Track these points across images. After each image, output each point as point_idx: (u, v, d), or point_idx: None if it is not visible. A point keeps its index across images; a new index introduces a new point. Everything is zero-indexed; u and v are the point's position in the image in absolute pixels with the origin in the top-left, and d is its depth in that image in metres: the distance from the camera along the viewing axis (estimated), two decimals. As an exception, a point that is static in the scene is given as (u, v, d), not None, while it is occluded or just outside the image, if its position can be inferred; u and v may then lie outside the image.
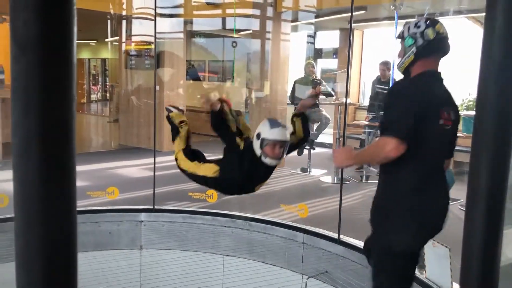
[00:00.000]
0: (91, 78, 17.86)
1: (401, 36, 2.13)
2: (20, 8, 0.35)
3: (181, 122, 2.90)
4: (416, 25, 2.06)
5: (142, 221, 4.27)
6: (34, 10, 0.35)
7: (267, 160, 2.47)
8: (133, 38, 8.85)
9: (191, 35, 9.08)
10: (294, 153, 7.31)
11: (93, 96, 17.87)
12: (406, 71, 2.13)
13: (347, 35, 8.03)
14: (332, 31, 9.11)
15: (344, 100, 6.31)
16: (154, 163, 4.45)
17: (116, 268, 4.01)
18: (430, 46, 2.02)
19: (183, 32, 8.46)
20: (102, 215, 4.20)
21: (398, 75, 6.46)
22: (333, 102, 7.31)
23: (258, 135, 2.47)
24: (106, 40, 11.22)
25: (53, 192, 0.37)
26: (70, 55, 0.38)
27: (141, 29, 8.43)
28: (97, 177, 5.87)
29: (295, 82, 7.06)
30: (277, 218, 4.33)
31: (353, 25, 7.96)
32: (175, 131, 2.90)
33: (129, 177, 6.27)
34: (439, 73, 2.09)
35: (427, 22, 2.04)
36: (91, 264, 3.95)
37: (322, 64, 10.11)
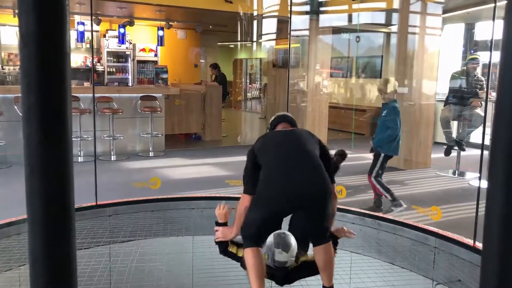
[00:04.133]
0: (247, 77, 18.95)
1: None
2: (22, 12, 0.48)
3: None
4: None
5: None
6: (33, 13, 0.48)
7: None
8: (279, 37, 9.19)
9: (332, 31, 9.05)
10: (442, 154, 6.86)
11: (249, 94, 18.96)
12: None
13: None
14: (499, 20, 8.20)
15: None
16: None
17: None
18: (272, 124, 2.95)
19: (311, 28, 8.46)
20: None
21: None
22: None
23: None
24: (260, 40, 11.88)
25: (50, 147, 0.50)
26: (63, 46, 0.50)
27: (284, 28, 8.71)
28: (240, 168, 6.31)
29: (452, 77, 6.53)
30: (408, 219, 4.13)
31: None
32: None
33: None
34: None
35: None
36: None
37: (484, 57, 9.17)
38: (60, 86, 0.50)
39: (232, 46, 17.99)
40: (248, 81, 18.97)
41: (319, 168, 2.57)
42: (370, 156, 7.85)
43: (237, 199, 4.46)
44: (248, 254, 2.61)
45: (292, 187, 2.53)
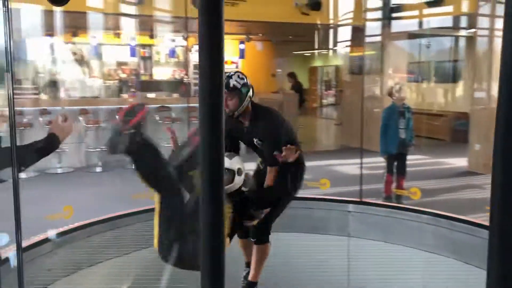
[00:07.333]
0: (323, 85, 19.00)
1: (235, 88, 2.79)
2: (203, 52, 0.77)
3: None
4: (240, 77, 2.84)
5: (350, 211, 4.71)
6: (204, 50, 0.70)
7: None
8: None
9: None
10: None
11: (325, 101, 19.04)
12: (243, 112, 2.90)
13: None
14: None
15: None
16: (361, 161, 4.87)
17: (326, 251, 4.37)
18: (252, 89, 2.92)
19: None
20: (316, 202, 4.79)
21: None
22: None
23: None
24: (335, 48, 12.14)
25: (212, 144, 0.89)
26: (221, 74, 0.71)
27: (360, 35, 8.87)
28: (316, 172, 6.65)
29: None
30: (481, 220, 4.21)
31: None
32: None
33: (342, 173, 6.89)
34: None
35: (243, 74, 2.91)
36: (305, 245, 4.53)
37: None
38: (219, 100, 0.72)
39: (308, 54, 18.28)
40: (323, 88, 19.06)
41: None
42: (448, 161, 7.83)
43: (314, 199, 4.80)
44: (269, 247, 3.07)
45: None
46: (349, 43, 10.02)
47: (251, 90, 2.88)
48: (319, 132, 13.48)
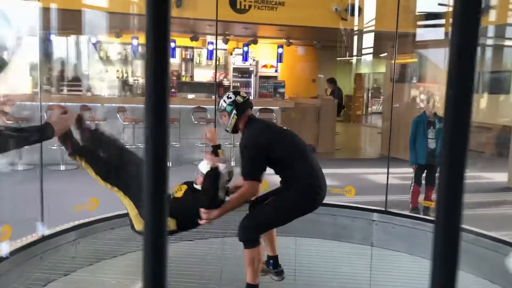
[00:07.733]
0: (369, 92, 18.71)
1: (221, 107, 3.17)
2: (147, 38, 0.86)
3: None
4: (228, 97, 3.16)
5: (374, 220, 4.63)
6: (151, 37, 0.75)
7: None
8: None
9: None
10: None
11: (369, 109, 18.72)
12: (234, 128, 3.19)
13: None
14: None
15: None
16: (388, 171, 4.77)
17: (347, 259, 4.28)
18: (242, 106, 3.12)
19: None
20: (339, 209, 4.74)
21: None
22: None
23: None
24: (380, 55, 11.93)
25: (155, 136, 0.94)
26: (167, 63, 0.70)
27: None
28: (346, 179, 6.57)
29: None
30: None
31: None
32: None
33: (375, 182, 6.77)
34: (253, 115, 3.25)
35: (234, 93, 3.19)
36: (328, 251, 4.51)
37: None
38: (164, 92, 0.64)
39: (353, 61, 18.04)
40: (369, 95, 18.74)
41: None
42: (487, 175, 7.49)
43: (339, 206, 4.75)
44: (259, 251, 3.01)
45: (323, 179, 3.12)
46: (392, 50, 9.82)
47: (238, 107, 3.11)
48: (361, 140, 13.28)
